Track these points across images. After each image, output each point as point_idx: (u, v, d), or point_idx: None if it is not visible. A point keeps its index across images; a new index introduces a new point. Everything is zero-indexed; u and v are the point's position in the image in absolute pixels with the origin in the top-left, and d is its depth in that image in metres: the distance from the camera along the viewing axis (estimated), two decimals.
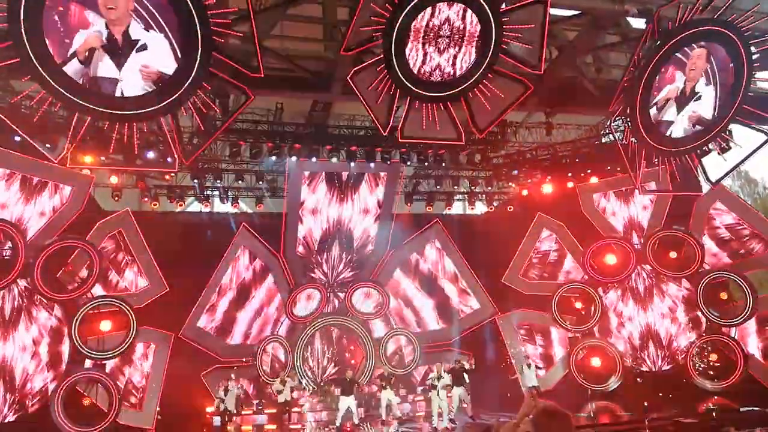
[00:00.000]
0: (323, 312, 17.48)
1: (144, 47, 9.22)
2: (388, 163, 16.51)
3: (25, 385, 13.42)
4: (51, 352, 13.78)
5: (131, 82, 9.36)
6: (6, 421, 12.97)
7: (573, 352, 16.77)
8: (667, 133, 13.79)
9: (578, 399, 15.28)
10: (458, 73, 10.71)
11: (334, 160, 15.80)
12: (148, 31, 9.14)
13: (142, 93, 9.48)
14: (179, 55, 9.33)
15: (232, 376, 15.27)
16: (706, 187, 16.55)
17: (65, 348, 13.92)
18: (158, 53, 9.31)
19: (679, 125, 13.89)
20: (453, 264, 18.69)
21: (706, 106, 13.62)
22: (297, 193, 16.94)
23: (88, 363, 13.95)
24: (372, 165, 16.55)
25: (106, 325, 14.05)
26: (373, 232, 17.99)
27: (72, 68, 9.03)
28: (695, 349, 16.29)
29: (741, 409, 13.48)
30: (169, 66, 9.41)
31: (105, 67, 9.20)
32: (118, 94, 9.36)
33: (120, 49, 9.13)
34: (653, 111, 13.81)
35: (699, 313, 16.58)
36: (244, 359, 16.51)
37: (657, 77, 13.31)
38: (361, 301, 17.91)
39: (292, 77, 13.49)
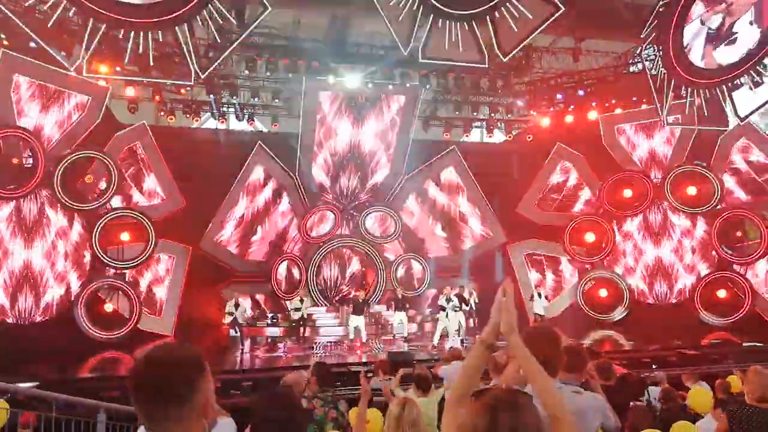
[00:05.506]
0: (337, 234, 17.71)
1: None
2: (407, 85, 16.11)
3: (48, 289, 13.96)
4: (73, 259, 14.24)
5: None
6: (32, 323, 13.61)
7: (581, 282, 17.00)
8: (699, 65, 13.26)
9: (583, 328, 15.62)
10: None
11: (352, 80, 15.42)
12: None
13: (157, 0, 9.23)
14: None
15: (236, 295, 15.42)
16: (733, 123, 16.09)
17: (87, 256, 14.38)
18: None
19: (712, 57, 13.31)
20: (467, 191, 18.67)
21: (743, 39, 12.98)
22: (313, 113, 16.71)
23: (109, 272, 14.44)
24: (390, 87, 16.17)
25: (125, 236, 14.45)
26: (389, 157, 17.87)
27: None
28: (703, 284, 16.38)
29: (744, 344, 13.69)
30: None
31: None
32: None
33: None
34: (686, 40, 13.22)
35: (712, 250, 16.58)
36: (259, 275, 16.93)
37: (695, 5, 12.66)
38: (374, 224, 18.08)
39: None
